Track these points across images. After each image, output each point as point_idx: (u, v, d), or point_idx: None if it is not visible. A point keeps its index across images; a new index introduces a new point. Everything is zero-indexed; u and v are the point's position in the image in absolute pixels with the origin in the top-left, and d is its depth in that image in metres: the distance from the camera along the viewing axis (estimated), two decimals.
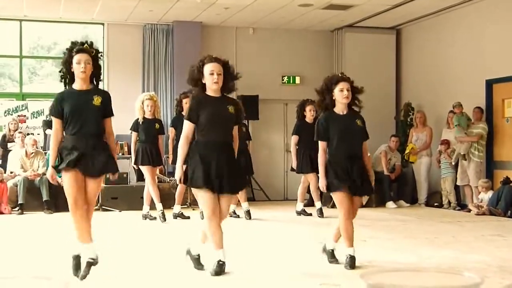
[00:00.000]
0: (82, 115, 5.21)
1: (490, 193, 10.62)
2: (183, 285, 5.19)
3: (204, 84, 5.40)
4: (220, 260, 5.29)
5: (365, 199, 6.22)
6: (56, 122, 5.25)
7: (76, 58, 5.20)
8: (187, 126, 5.40)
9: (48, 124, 12.43)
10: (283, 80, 13.83)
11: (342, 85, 5.77)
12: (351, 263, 5.66)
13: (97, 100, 5.25)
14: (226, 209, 5.47)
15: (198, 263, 5.57)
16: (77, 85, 5.28)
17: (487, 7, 11.55)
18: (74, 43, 5.36)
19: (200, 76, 5.40)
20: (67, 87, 5.36)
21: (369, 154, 6.09)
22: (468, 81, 11.74)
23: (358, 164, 5.78)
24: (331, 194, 5.97)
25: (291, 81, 14.01)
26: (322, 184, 5.78)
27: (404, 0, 11.85)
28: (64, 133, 5.24)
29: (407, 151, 12.40)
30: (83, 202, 5.16)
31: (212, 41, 13.47)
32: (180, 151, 5.38)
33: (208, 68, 5.36)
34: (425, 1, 11.82)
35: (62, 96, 5.31)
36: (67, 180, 5.15)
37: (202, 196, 5.31)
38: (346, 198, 5.72)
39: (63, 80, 5.39)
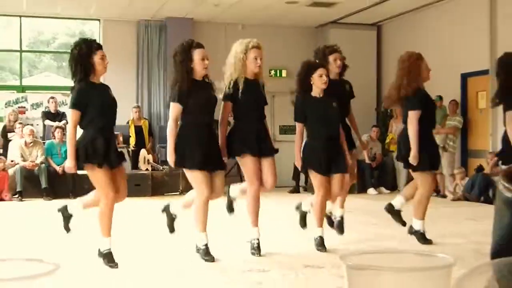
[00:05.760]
0: (106, 109, 5.14)
1: (465, 180, 10.69)
2: (176, 272, 5.17)
3: (192, 68, 5.33)
4: (200, 246, 5.30)
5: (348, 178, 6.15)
6: (77, 115, 4.99)
7: (99, 53, 5.09)
8: (176, 110, 5.30)
9: (47, 115, 12.38)
10: (270, 73, 13.80)
11: (321, 71, 5.78)
12: (321, 242, 5.77)
13: (111, 94, 5.27)
14: (221, 186, 5.43)
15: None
16: (95, 79, 5.13)
17: (461, 6, 11.60)
18: (87, 40, 5.21)
19: (189, 60, 5.31)
20: (76, 81, 5.09)
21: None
22: (444, 75, 11.75)
23: (334, 144, 5.81)
24: (309, 173, 5.98)
25: (278, 74, 14.01)
26: (298, 163, 5.86)
27: None
28: (80, 126, 5.05)
29: (387, 141, 12.43)
30: (114, 194, 5.05)
31: (203, 37, 13.32)
32: (170, 135, 5.30)
33: (199, 53, 5.32)
34: (403, 0, 11.83)
35: (84, 89, 5.08)
36: (97, 175, 5.00)
37: (197, 176, 5.22)
38: (323, 179, 5.75)
39: (78, 74, 5.06)
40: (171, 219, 5.71)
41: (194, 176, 5.27)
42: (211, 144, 5.36)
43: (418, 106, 5.90)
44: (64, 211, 5.45)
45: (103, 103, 5.11)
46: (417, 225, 6.09)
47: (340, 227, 6.32)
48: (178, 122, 5.38)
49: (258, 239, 5.56)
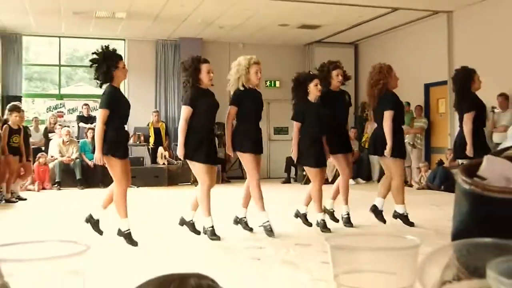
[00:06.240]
0: (127, 110, 5.10)
1: (428, 172, 10.70)
2: (181, 251, 5.15)
3: (200, 79, 5.30)
4: (207, 228, 5.27)
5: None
6: (107, 113, 4.85)
7: (122, 63, 5.00)
8: (187, 112, 5.25)
9: (81, 119, 12.36)
10: (266, 84, 13.78)
11: (316, 81, 5.79)
12: (324, 223, 5.74)
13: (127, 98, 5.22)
14: (215, 177, 5.58)
15: (194, 228, 5.43)
16: (116, 85, 5.03)
17: (424, 28, 11.60)
18: (110, 51, 5.01)
19: (198, 72, 5.30)
20: (102, 84, 4.98)
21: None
22: (410, 85, 11.76)
23: (321, 143, 5.82)
24: (304, 167, 5.96)
25: (273, 85, 13.98)
26: (294, 156, 5.81)
27: (360, 22, 11.86)
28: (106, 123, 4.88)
29: (363, 139, 12.42)
30: (127, 182, 5.06)
31: (210, 54, 13.32)
32: (181, 132, 5.22)
33: (206, 67, 5.31)
34: (376, 23, 11.83)
35: (116, 92, 5.00)
36: (116, 166, 4.91)
37: (202, 169, 5.23)
38: (318, 171, 5.74)
39: (104, 77, 4.92)
40: (192, 226, 5.45)
41: (199, 168, 5.25)
42: (212, 143, 5.41)
43: (391, 107, 5.83)
44: (90, 219, 5.19)
45: (125, 106, 5.08)
46: (400, 209, 6.02)
47: (349, 222, 6.07)
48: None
49: (269, 221, 5.46)
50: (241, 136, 5.51)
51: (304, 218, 5.92)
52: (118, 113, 4.96)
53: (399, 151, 5.90)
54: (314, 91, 5.77)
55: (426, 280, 0.78)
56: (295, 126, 5.84)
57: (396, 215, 6.06)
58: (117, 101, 4.96)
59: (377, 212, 6.06)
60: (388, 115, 5.79)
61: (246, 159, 5.54)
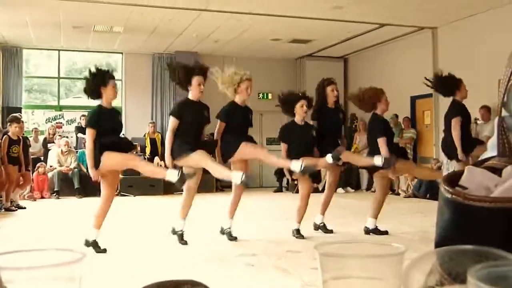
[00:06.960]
0: (116, 130, 5.01)
1: (415, 181, 10.72)
2: (178, 258, 5.13)
3: (189, 90, 5.27)
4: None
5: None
6: (95, 133, 4.78)
7: (112, 82, 4.88)
8: (174, 123, 5.17)
9: (79, 130, 12.31)
10: (259, 96, 13.82)
11: (302, 102, 5.76)
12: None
13: (120, 119, 5.18)
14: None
15: (181, 238, 5.33)
16: (107, 104, 4.91)
17: (410, 43, 11.69)
18: (102, 70, 4.95)
19: (188, 84, 5.26)
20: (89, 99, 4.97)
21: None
22: (397, 97, 11.82)
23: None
24: (294, 178, 5.97)
25: (265, 97, 14.02)
26: (287, 175, 5.85)
27: (349, 37, 11.93)
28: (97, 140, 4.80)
29: (352, 150, 12.43)
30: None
31: None
32: (168, 143, 5.14)
33: (197, 80, 5.23)
34: (364, 38, 11.91)
35: (100, 111, 4.88)
36: (113, 178, 4.99)
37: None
38: (308, 182, 5.76)
39: (91, 93, 4.89)
40: (180, 236, 5.38)
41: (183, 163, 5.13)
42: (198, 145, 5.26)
43: (383, 133, 5.85)
44: (88, 244, 4.95)
45: (111, 125, 4.92)
46: (371, 223, 5.98)
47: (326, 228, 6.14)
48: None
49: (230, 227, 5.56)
50: (231, 145, 5.31)
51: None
52: (105, 130, 4.81)
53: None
54: (300, 112, 5.74)
55: (411, 285, 0.78)
56: (282, 147, 5.78)
57: (368, 231, 5.99)
58: (103, 121, 4.81)
59: (370, 231, 5.98)
60: (382, 142, 5.80)
61: (238, 154, 5.33)
